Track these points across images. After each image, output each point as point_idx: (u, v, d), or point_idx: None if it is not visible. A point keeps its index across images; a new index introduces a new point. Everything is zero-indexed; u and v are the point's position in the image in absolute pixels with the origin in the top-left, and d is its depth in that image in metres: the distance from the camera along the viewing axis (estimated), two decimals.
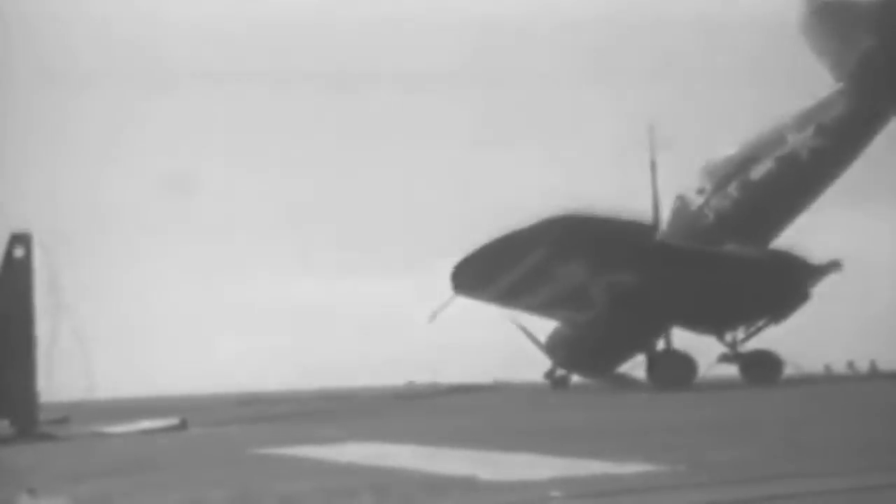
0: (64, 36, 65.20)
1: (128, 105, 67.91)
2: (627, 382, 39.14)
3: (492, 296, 38.10)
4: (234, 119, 70.87)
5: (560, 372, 40.72)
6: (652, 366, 38.44)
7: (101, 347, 33.32)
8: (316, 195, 68.75)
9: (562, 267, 36.27)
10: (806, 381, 36.80)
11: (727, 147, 39.77)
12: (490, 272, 36.73)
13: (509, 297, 37.88)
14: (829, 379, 39.33)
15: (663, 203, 39.74)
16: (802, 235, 38.07)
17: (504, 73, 68.68)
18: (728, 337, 38.25)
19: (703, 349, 38.30)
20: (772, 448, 12.55)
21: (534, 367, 41.40)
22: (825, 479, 9.49)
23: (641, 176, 40.18)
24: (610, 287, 36.47)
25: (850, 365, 41.75)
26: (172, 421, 26.97)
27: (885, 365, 40.29)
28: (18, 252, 25.06)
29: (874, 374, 39.98)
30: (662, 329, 38.49)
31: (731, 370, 38.09)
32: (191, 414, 29.21)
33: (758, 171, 37.45)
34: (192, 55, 71.49)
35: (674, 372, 36.85)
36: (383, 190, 69.10)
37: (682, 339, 38.81)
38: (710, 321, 37.61)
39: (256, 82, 70.25)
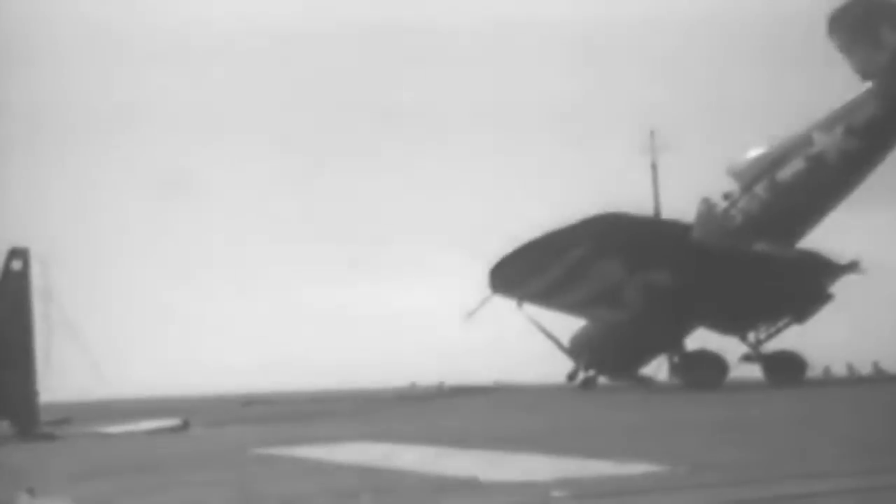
0: (60, 43, 65.24)
1: (128, 108, 67.90)
2: (651, 384, 39.11)
3: (528, 295, 38.10)
4: (234, 121, 70.84)
5: (588, 373, 40.62)
6: (682, 366, 38.40)
7: (104, 349, 33.38)
8: (318, 198, 68.76)
9: (600, 265, 36.36)
10: (811, 383, 36.73)
11: (728, 148, 39.82)
12: (528, 271, 36.81)
13: (545, 296, 37.89)
14: (835, 381, 39.21)
15: (669, 205, 39.85)
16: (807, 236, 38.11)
17: (507, 74, 68.65)
18: (751, 337, 38.23)
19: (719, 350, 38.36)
20: (774, 449, 12.52)
21: (535, 368, 41.38)
22: (823, 481, 9.47)
23: (643, 177, 40.29)
24: (645, 286, 36.52)
25: (850, 367, 41.64)
26: (174, 421, 27.10)
27: (886, 366, 40.14)
28: (16, 265, 26.54)
29: (879, 376, 39.84)
30: (691, 329, 38.53)
31: (754, 370, 37.97)
32: (193, 415, 29.24)
33: (786, 172, 37.38)
34: (193, 57, 71.48)
35: (704, 372, 36.79)
36: (386, 193, 69.11)
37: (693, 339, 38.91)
38: (738, 320, 37.58)
39: (257, 84, 70.26)
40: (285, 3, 68.14)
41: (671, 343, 38.82)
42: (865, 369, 40.72)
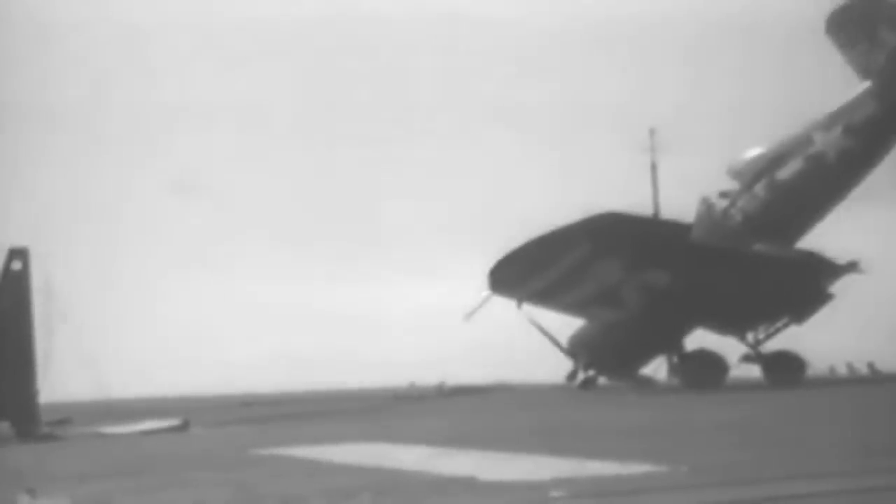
0: (61, 43, 65.20)
1: (129, 107, 67.88)
2: (650, 384, 39.10)
3: (527, 294, 38.08)
4: (235, 120, 70.77)
5: (588, 373, 40.60)
6: (681, 366, 38.41)
7: (104, 349, 33.38)
8: (319, 198, 68.69)
9: (600, 265, 36.41)
10: (815, 382, 36.67)
11: (728, 148, 39.90)
12: (528, 271, 36.85)
13: (545, 295, 37.89)
14: (837, 381, 39.15)
15: (668, 205, 39.92)
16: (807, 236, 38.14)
17: (506, 72, 68.60)
18: (750, 337, 38.20)
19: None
20: (773, 450, 12.54)
21: (535, 368, 41.35)
22: (823, 481, 9.48)
23: (643, 177, 40.37)
24: (644, 286, 36.54)
25: (850, 366, 41.63)
26: (174, 422, 27.14)
27: (882, 366, 40.07)
28: (16, 265, 26.57)
29: (875, 376, 39.79)
30: (690, 329, 38.53)
31: (754, 370, 37.94)
32: (193, 415, 29.26)
33: (785, 172, 37.42)
34: (193, 56, 71.45)
35: (704, 372, 36.79)
36: (387, 193, 69.04)
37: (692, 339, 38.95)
38: (737, 321, 37.58)
39: (259, 83, 70.21)
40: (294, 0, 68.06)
41: (670, 343, 38.81)
42: (864, 369, 40.72)
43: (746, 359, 38.20)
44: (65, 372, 28.48)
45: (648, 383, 39.58)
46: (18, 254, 26.82)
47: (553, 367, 40.90)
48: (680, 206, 39.50)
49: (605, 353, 39.54)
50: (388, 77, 70.28)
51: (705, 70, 61.98)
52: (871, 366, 40.39)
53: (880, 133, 36.11)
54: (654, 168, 40.56)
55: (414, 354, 46.50)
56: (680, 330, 38.50)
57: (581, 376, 40.54)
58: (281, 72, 69.82)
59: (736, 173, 38.73)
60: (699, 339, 38.69)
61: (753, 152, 38.69)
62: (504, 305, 39.18)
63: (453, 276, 44.01)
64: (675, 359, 39.22)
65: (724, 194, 38.64)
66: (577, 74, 66.51)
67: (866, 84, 36.44)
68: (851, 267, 37.30)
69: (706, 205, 38.69)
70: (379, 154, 68.49)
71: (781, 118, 40.04)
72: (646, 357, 39.71)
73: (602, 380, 41.14)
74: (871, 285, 37.64)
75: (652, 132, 40.71)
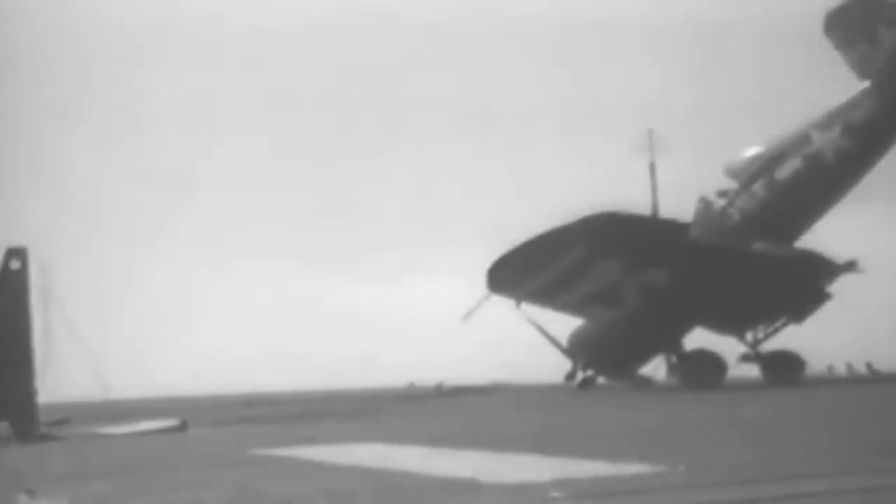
0: (61, 42, 65.25)
1: (129, 107, 67.91)
2: (649, 384, 39.15)
3: (526, 294, 38.20)
4: (234, 120, 70.83)
5: (587, 372, 40.64)
6: (680, 366, 38.47)
7: (104, 349, 33.38)
8: (318, 196, 68.75)
9: (598, 264, 36.51)
10: (814, 382, 36.71)
11: (726, 148, 39.99)
12: (526, 271, 36.98)
13: (543, 295, 38.00)
14: (836, 380, 39.18)
15: (667, 205, 39.97)
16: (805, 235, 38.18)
17: (504, 73, 68.66)
18: (749, 336, 38.27)
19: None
20: (772, 449, 12.55)
21: (534, 368, 41.40)
22: (823, 481, 9.49)
23: (641, 177, 40.40)
24: (643, 285, 36.61)
25: (849, 366, 41.68)
26: (172, 422, 27.15)
27: (880, 365, 40.12)
28: (14, 265, 26.50)
29: (873, 376, 39.83)
30: (689, 328, 38.58)
31: (753, 370, 38.03)
32: (192, 415, 29.26)
33: (784, 171, 37.48)
34: (193, 56, 71.50)
35: (703, 372, 36.84)
36: (386, 192, 69.12)
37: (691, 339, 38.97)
38: (736, 320, 37.64)
39: (257, 84, 70.27)
40: (285, 3, 68.21)
41: (669, 343, 38.88)
42: (863, 369, 40.77)
43: (745, 358, 38.27)
44: (63, 372, 28.48)
45: (647, 383, 39.66)
46: (17, 253, 26.75)
47: (552, 367, 40.96)
48: (679, 205, 39.58)
49: (604, 353, 39.62)
50: (387, 78, 70.37)
51: (703, 70, 62.09)
52: (869, 365, 40.43)
53: (879, 132, 36.17)
54: (652, 168, 40.62)
55: (413, 354, 46.56)
56: (679, 329, 38.58)
57: (580, 376, 40.60)
58: (282, 72, 69.89)
59: (734, 172, 38.79)
60: (698, 338, 38.75)
61: (751, 151, 38.74)
62: (504, 305, 39.25)
63: (453, 276, 44.11)
64: (674, 358, 39.29)
65: (722, 193, 38.70)
66: (575, 75, 66.60)
67: (865, 83, 36.49)
68: (850, 266, 37.39)
69: (704, 204, 38.74)
70: (380, 154, 68.58)
71: (779, 117, 40.13)
72: (644, 357, 39.80)
73: (601, 379, 41.20)
74: (869, 285, 37.72)
75: (650, 132, 40.83)
